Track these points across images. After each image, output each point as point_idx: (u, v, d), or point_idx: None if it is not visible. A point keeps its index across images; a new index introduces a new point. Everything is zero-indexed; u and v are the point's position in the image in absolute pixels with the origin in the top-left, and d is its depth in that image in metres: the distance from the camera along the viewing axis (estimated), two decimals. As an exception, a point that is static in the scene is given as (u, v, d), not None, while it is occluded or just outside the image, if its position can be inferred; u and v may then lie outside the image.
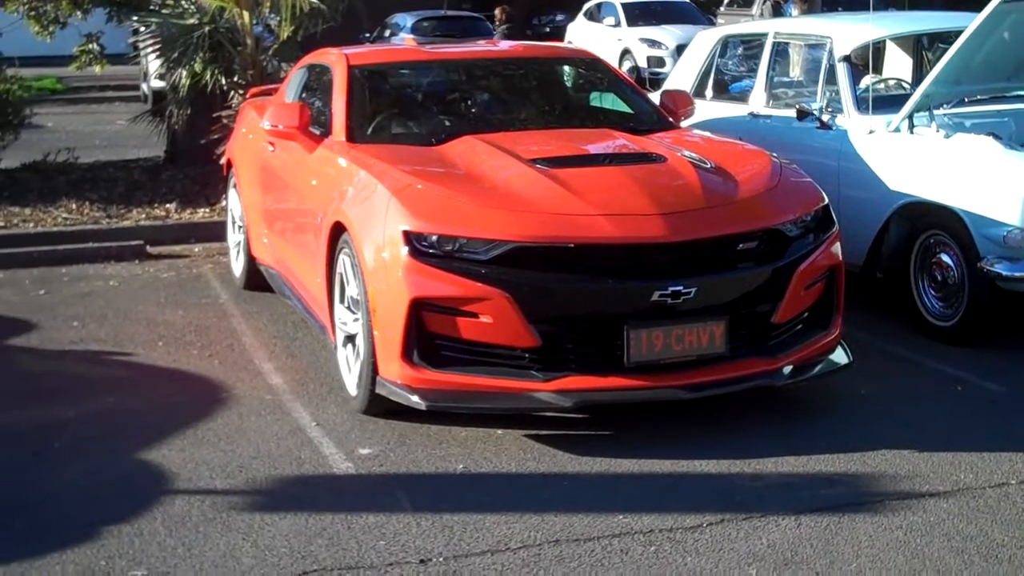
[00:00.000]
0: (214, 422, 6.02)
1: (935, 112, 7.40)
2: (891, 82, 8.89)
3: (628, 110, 7.58)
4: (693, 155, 6.39)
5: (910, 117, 7.40)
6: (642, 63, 21.64)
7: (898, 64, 9.44)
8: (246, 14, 10.67)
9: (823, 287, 6.13)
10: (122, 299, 8.46)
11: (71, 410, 6.23)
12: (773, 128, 8.36)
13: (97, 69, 13.99)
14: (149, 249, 9.88)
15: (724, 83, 9.45)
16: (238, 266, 8.75)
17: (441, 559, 4.55)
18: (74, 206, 10.80)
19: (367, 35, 22.25)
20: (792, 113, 8.16)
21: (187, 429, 5.92)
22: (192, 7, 10.96)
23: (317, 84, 7.80)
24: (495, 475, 5.36)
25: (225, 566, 4.50)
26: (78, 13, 13.08)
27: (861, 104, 7.77)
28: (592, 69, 8.01)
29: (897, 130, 7.45)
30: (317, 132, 7.08)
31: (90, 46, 13.48)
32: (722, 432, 5.78)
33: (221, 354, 7.14)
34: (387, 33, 23.69)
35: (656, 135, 6.97)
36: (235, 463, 5.49)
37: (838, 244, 6.19)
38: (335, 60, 7.47)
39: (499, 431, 5.78)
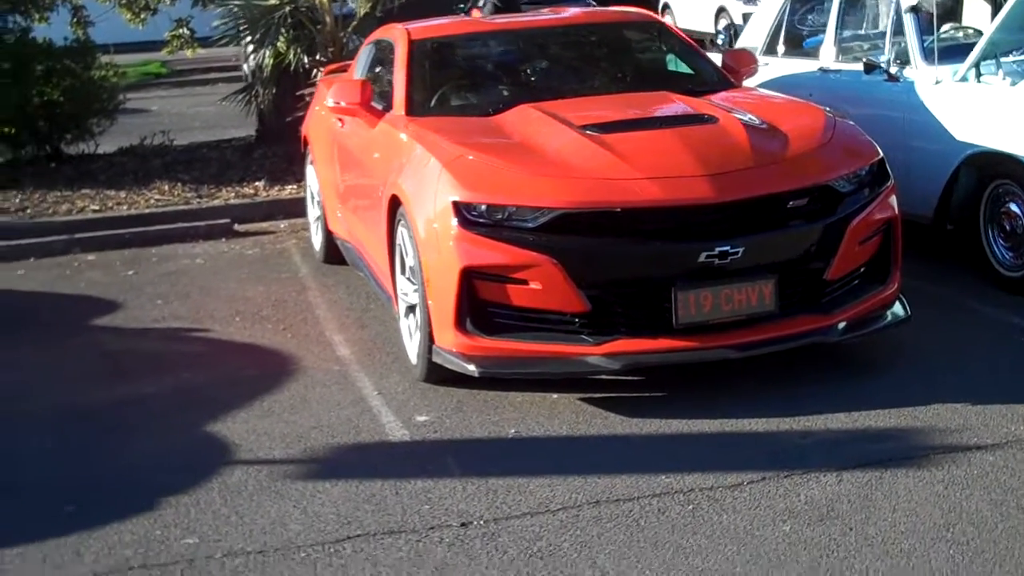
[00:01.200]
0: (280, 394, 6.19)
1: (1002, 60, 7.28)
2: (969, 31, 8.75)
3: (688, 71, 7.58)
4: (747, 114, 6.39)
5: (977, 66, 7.29)
6: (738, 20, 21.40)
7: (977, 12, 9.26)
8: (324, -9, 10.83)
9: (879, 242, 6.10)
10: (206, 277, 8.69)
11: (148, 387, 6.45)
12: (842, 83, 8.30)
13: (188, 53, 14.28)
14: (237, 227, 10.11)
15: (795, 39, 9.36)
16: (317, 240, 8.94)
17: (482, 522, 4.66)
18: (167, 187, 11.07)
19: (462, 6, 22.31)
20: (861, 67, 8.07)
21: (254, 401, 6.09)
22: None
23: (383, 60, 7.91)
24: (546, 439, 5.45)
25: (273, 532, 4.66)
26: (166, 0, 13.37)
27: (928, 55, 7.65)
28: (653, 32, 8.02)
29: (965, 80, 7.34)
30: (379, 107, 7.19)
31: (180, 31, 13.76)
32: (775, 390, 5.79)
33: (295, 327, 7.32)
34: (480, 3, 23.69)
35: (714, 96, 6.96)
36: (295, 433, 5.65)
37: (894, 198, 6.15)
38: (398, 35, 7.58)
39: (555, 396, 5.86)
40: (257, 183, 11.11)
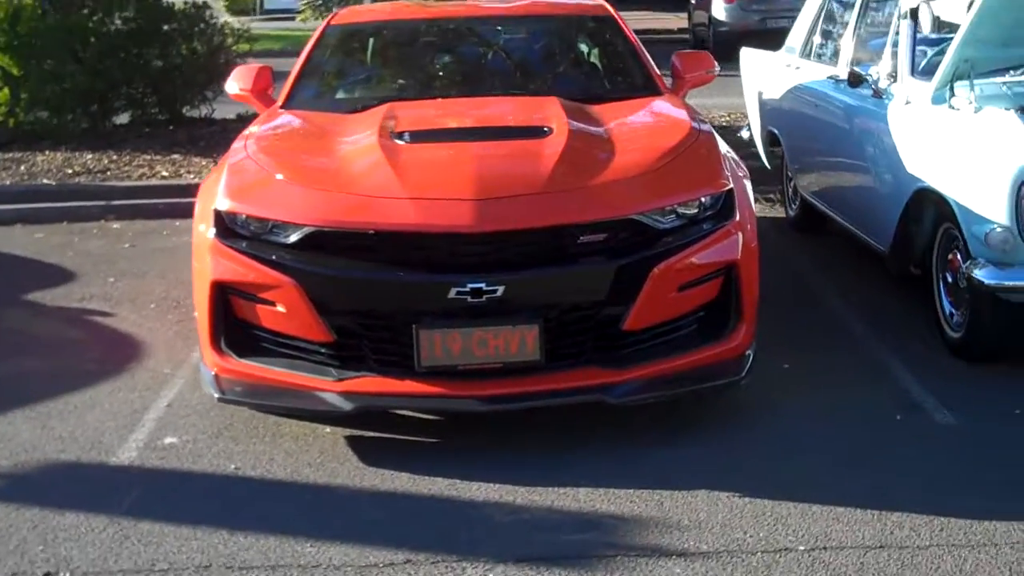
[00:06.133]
0: (78, 397, 5.85)
1: (976, 81, 6.12)
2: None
3: (613, 73, 6.78)
4: (602, 129, 5.64)
5: (950, 86, 6.17)
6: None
7: None
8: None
9: (716, 289, 5.22)
10: (187, 258, 8.44)
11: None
12: (837, 95, 7.27)
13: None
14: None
15: (825, 43, 8.28)
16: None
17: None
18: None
19: None
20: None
21: (46, 400, 5.77)
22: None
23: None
24: (256, 480, 4.93)
25: None
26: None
27: (920, 69, 6.55)
28: (601, 26, 7.20)
29: (942, 100, 6.23)
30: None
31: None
32: (556, 447, 5.10)
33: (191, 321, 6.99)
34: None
35: (611, 104, 6.20)
36: (34, 443, 5.32)
37: (738, 238, 5.22)
38: (327, 19, 7.12)
39: (327, 429, 5.32)
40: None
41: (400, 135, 5.56)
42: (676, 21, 22.40)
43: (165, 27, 12.64)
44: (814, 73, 7.87)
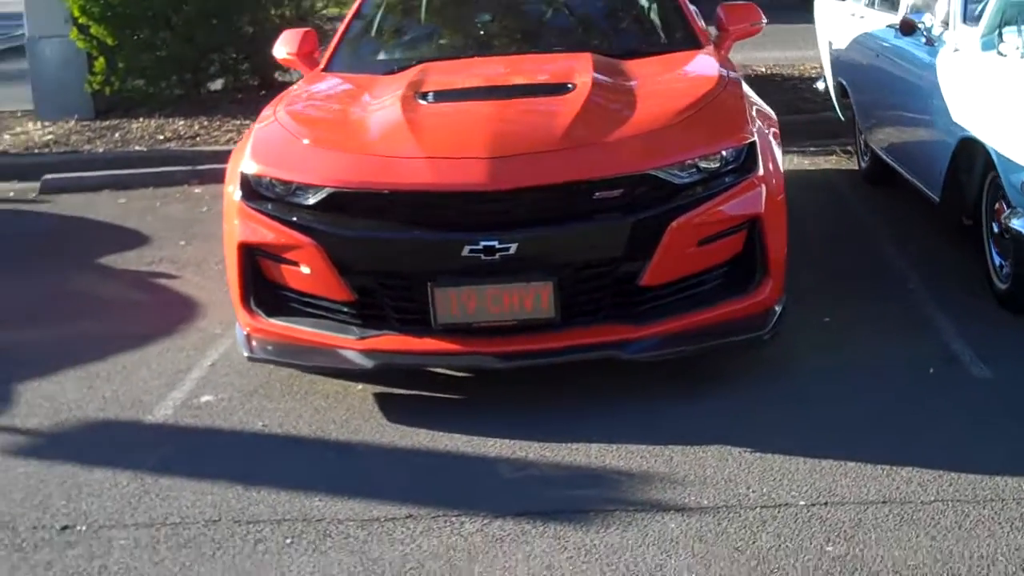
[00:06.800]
0: (136, 356, 6.03)
1: (1024, 27, 5.94)
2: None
3: (654, 27, 6.74)
4: (624, 84, 5.63)
5: (999, 32, 6.00)
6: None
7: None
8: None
9: (741, 243, 5.17)
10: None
11: (32, 333, 6.46)
12: (894, 46, 7.12)
13: None
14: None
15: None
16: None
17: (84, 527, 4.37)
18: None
19: None
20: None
21: (101, 361, 5.95)
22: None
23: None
24: (283, 437, 5.04)
25: None
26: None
27: (972, 15, 6.37)
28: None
29: (991, 47, 6.06)
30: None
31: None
32: (576, 403, 5.11)
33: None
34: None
35: (648, 59, 6.15)
36: (79, 402, 5.50)
37: (761, 191, 5.16)
38: (372, -21, 7.17)
39: (359, 386, 5.40)
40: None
41: (425, 95, 5.60)
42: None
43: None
44: (876, 22, 7.69)
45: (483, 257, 4.89)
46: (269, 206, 5.23)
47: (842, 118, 8.92)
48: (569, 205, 4.98)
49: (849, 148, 9.10)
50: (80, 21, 11.78)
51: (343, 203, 5.10)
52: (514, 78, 5.96)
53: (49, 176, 9.99)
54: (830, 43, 8.84)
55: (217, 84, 12.85)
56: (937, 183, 6.31)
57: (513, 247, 4.88)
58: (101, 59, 11.95)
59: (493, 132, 5.15)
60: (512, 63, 6.25)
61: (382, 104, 5.62)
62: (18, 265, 7.79)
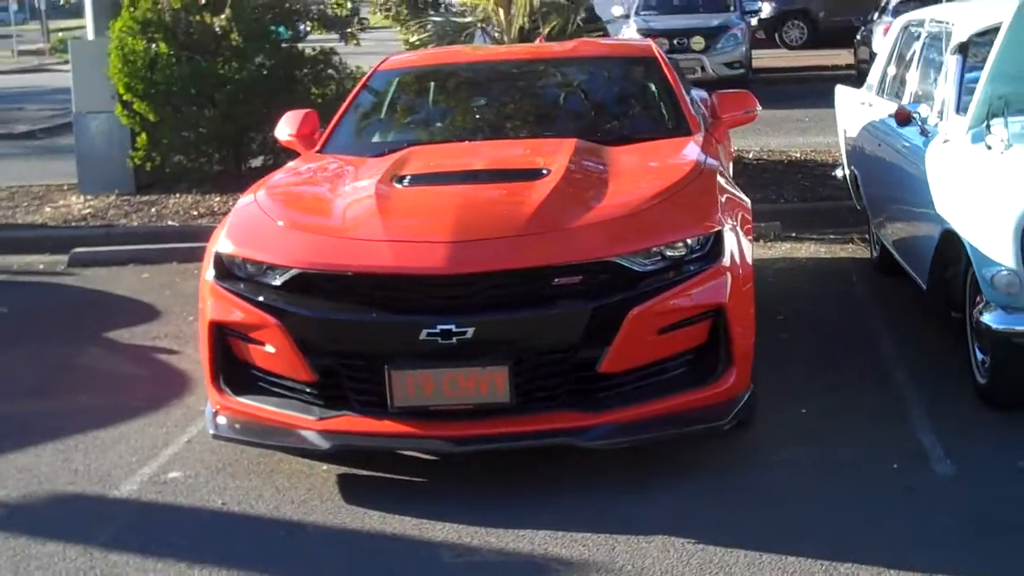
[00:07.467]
0: (124, 428, 6.11)
1: (1011, 119, 5.90)
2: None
3: (646, 114, 6.77)
4: (598, 170, 5.67)
5: (987, 123, 5.97)
6: None
7: None
8: (500, 11, 10.62)
9: (704, 333, 5.16)
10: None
11: (33, 404, 6.59)
12: (893, 136, 7.10)
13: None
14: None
15: (893, 79, 8.05)
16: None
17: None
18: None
19: None
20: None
21: (96, 431, 6.06)
22: (467, 7, 11.09)
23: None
24: (240, 516, 5.07)
25: None
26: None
27: (965, 106, 6.35)
28: (640, 68, 7.18)
29: (980, 139, 6.03)
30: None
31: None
32: (542, 487, 5.12)
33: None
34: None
35: (634, 145, 6.20)
36: (52, 474, 5.57)
37: (725, 281, 5.15)
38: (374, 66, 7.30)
39: (324, 467, 5.44)
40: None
41: (401, 179, 5.67)
42: (845, 58, 22.01)
43: (296, 72, 13.02)
44: (882, 110, 7.69)
45: (440, 341, 4.92)
46: (240, 286, 5.32)
47: (859, 206, 8.88)
48: (528, 291, 5.00)
49: (866, 236, 9.04)
50: (124, 98, 12.04)
51: (307, 284, 5.16)
52: (492, 163, 6.02)
53: (78, 250, 10.18)
54: (845, 131, 8.83)
55: (257, 161, 13.05)
56: (924, 274, 6.26)
57: (470, 331, 4.91)
58: (143, 135, 12.19)
59: (457, 217, 5.20)
60: (496, 148, 6.33)
61: (358, 186, 5.70)
62: (33, 337, 7.94)
